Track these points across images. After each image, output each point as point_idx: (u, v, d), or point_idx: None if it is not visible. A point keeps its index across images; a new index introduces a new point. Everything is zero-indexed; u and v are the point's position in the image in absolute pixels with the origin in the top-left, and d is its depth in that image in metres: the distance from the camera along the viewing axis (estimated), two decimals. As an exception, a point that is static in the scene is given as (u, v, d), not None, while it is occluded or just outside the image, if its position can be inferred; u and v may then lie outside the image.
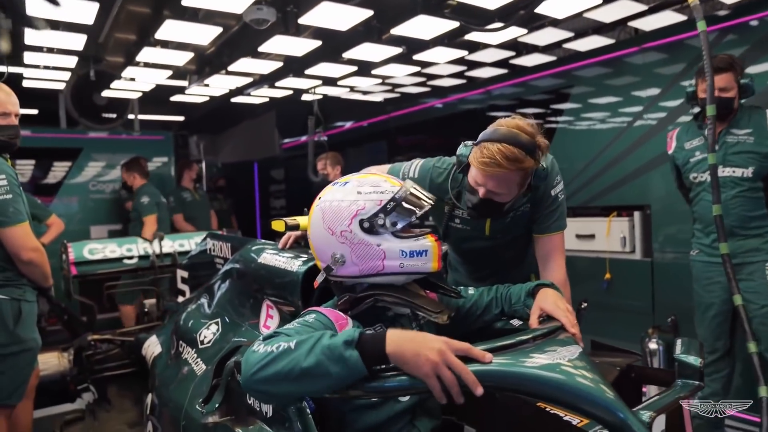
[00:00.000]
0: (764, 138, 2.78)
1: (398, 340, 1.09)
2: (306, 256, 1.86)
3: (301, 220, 1.88)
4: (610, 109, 4.42)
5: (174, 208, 5.83)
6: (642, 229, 4.22)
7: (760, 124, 2.81)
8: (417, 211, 1.41)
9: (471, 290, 1.72)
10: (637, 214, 4.23)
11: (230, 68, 5.03)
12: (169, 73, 5.35)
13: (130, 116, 6.99)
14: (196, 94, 6.45)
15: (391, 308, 1.48)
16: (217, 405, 1.71)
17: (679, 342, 1.66)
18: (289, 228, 1.84)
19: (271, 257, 1.97)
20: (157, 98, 7.64)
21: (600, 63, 4.47)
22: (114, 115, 6.60)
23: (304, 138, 7.35)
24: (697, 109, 3.08)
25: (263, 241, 2.29)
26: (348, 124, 7.83)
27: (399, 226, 1.40)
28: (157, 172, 6.65)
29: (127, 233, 5.31)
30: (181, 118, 11.00)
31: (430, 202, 1.46)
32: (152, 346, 2.78)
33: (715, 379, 2.96)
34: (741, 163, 2.80)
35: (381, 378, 1.08)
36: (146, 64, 4.93)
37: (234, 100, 6.61)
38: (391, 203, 1.39)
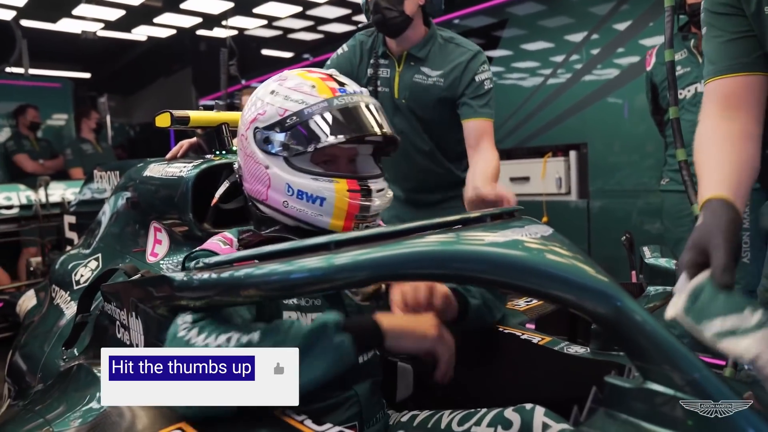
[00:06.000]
0: None
1: (389, 316, 0.96)
2: (200, 160, 1.48)
3: (194, 114, 1.48)
4: (545, 46, 4.19)
5: (72, 161, 5.17)
6: (578, 169, 4.05)
7: None
8: (322, 140, 1.02)
9: None
10: (573, 154, 4.05)
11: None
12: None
13: (19, 69, 6.13)
14: (92, 18, 5.72)
15: None
16: (82, 348, 1.33)
17: (645, 249, 1.48)
18: (176, 121, 1.44)
19: (155, 168, 1.58)
20: (52, 45, 6.81)
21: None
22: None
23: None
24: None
25: (154, 159, 1.88)
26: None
27: (292, 152, 1.03)
28: (55, 127, 5.92)
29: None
30: (87, 75, 10.09)
31: (369, 134, 1.06)
32: (27, 301, 2.35)
33: None
34: None
35: None
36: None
37: (135, 30, 5.93)
38: (293, 118, 1.03)
